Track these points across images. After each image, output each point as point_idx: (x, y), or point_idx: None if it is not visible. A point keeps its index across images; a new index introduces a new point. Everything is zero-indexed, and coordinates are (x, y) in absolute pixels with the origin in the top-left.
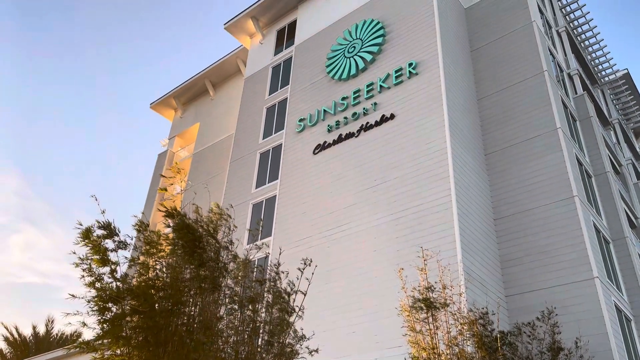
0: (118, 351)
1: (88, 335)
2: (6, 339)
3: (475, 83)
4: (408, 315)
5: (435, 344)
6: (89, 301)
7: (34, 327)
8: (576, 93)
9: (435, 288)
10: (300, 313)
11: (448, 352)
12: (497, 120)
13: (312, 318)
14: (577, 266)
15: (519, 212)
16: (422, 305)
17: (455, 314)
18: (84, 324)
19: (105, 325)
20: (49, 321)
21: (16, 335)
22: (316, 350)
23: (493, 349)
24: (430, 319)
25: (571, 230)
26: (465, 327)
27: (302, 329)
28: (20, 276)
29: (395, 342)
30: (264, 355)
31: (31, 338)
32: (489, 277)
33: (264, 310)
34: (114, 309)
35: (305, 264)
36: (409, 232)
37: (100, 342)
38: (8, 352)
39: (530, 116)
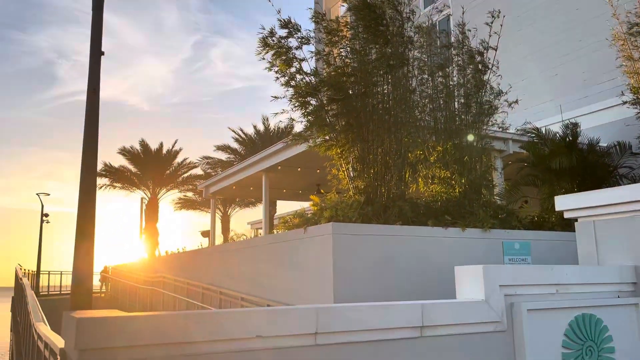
0: (327, 137)
1: (298, 128)
2: (236, 140)
3: None
4: (623, 44)
5: None
6: (290, 99)
7: (254, 126)
8: None
9: None
10: (494, 69)
11: None
12: None
13: (507, 71)
14: None
15: None
16: None
17: None
18: (292, 119)
19: (309, 117)
20: (264, 119)
21: (242, 135)
22: (516, 102)
23: None
24: None
25: None
26: None
27: (498, 85)
28: (228, 84)
29: (607, 75)
30: (462, 117)
31: (254, 135)
32: None
33: (455, 73)
34: (313, 102)
35: (492, 16)
36: None
37: (309, 132)
38: (241, 149)
39: None
